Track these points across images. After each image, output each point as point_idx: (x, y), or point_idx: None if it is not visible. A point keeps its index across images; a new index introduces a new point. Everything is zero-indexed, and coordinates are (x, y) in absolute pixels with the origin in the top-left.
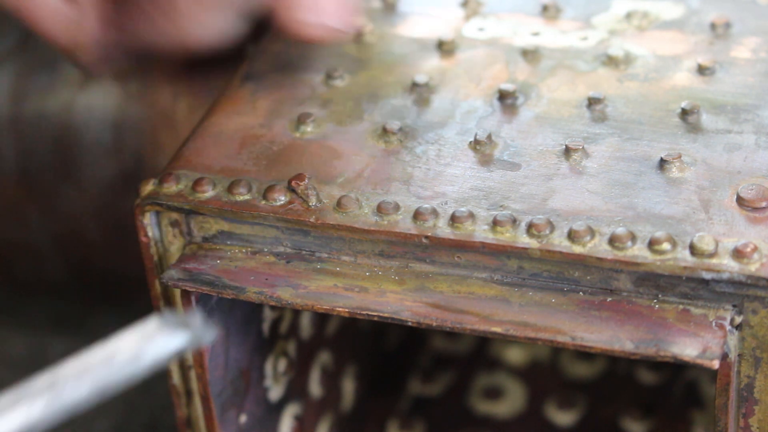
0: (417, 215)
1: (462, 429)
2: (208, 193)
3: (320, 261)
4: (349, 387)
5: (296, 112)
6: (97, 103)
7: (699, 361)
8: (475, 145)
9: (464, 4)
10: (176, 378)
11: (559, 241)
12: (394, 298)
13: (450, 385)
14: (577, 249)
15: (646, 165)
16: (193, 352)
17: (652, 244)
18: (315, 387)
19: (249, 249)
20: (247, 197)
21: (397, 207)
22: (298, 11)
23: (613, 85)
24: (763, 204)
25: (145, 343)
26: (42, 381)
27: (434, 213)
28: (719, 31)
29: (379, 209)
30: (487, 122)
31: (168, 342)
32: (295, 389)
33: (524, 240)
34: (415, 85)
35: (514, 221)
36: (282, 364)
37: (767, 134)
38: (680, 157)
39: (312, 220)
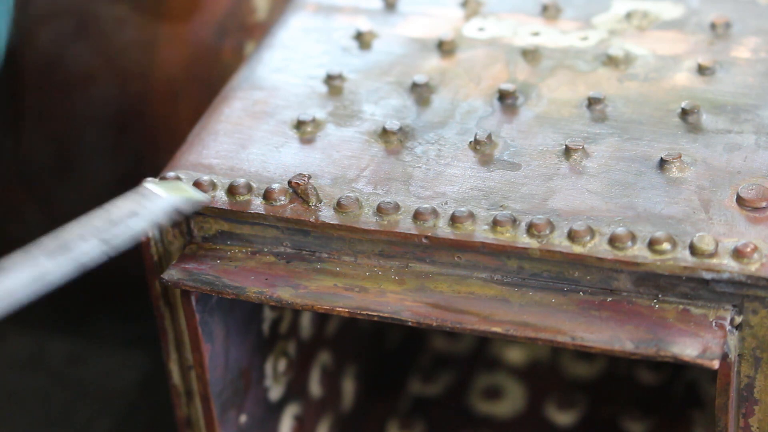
0: (417, 215)
1: (462, 429)
2: (208, 193)
3: (320, 261)
4: (349, 387)
5: (296, 112)
6: (97, 103)
7: (699, 361)
8: (475, 145)
9: (464, 4)
10: (176, 378)
11: (559, 241)
12: (394, 298)
13: (450, 385)
14: (577, 249)
15: (646, 165)
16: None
17: (652, 244)
18: (315, 387)
19: (249, 249)
20: (247, 197)
21: (397, 207)
22: None
23: (613, 85)
24: (763, 204)
25: (142, 202)
26: (50, 241)
27: (434, 213)
28: (719, 31)
29: (379, 209)
30: (487, 122)
31: (162, 200)
32: (295, 389)
33: (524, 240)
34: (415, 85)
35: (514, 221)
36: (282, 364)
37: (767, 134)
38: (680, 157)
39: (312, 220)
